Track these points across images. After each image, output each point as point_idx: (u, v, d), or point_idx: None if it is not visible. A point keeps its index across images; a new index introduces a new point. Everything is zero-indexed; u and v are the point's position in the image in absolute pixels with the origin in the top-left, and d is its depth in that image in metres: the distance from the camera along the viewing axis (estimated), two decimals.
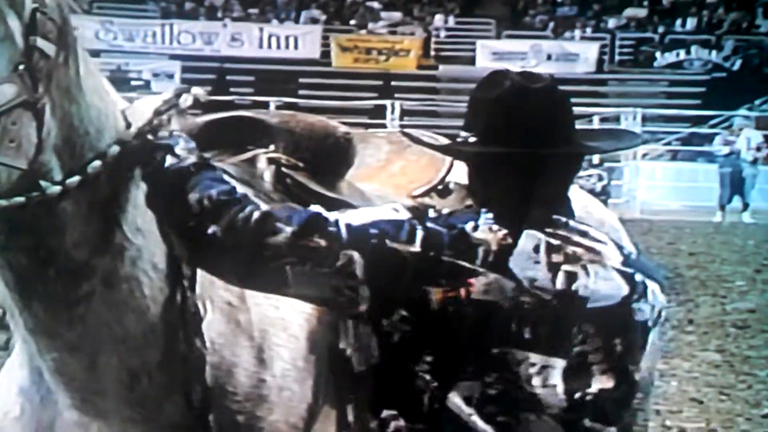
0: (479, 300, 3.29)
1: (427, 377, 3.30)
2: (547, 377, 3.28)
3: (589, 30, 43.72)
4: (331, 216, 3.31)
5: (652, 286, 3.39)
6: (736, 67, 41.31)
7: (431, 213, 3.46)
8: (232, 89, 39.99)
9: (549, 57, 41.63)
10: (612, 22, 43.67)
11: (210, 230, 3.26)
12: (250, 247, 3.26)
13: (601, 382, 3.30)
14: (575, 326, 3.29)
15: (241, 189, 3.45)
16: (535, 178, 3.39)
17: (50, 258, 3.44)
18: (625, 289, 3.31)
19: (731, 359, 12.74)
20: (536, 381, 3.26)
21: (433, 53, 43.12)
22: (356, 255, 3.24)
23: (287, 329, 3.82)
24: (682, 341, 13.08)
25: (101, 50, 40.49)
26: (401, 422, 3.33)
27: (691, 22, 42.96)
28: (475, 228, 3.33)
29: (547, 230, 3.35)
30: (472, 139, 3.47)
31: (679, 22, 43.15)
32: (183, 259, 3.51)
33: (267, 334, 3.78)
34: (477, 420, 3.26)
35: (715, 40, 42.28)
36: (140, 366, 3.61)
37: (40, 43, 3.26)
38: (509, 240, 3.31)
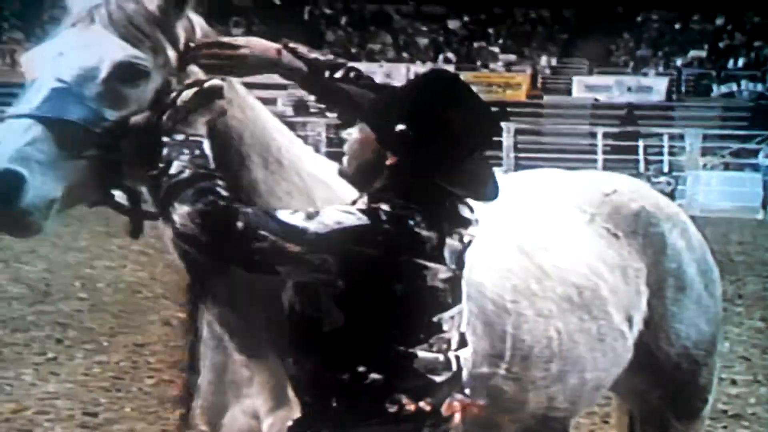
0: (432, 286, 3.22)
1: (393, 342, 3.22)
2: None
3: (660, 67, 43.12)
4: (301, 224, 3.09)
5: None
6: None
7: (382, 214, 3.17)
8: None
9: (629, 89, 41.13)
10: (679, 61, 43.04)
11: (203, 239, 3.07)
12: (239, 252, 3.10)
13: None
14: None
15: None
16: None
17: None
18: None
19: None
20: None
21: (539, 86, 42.85)
22: (329, 258, 3.09)
23: None
24: (733, 311, 12.86)
25: (289, 84, 40.77)
26: (376, 375, 3.21)
27: (741, 61, 42.17)
28: (417, 225, 3.18)
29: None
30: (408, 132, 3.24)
31: (731, 61, 42.38)
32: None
33: None
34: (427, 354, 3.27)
35: (761, 74, 41.51)
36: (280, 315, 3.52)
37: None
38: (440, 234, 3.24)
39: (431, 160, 3.26)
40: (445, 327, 3.31)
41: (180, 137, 3.19)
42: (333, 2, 47.63)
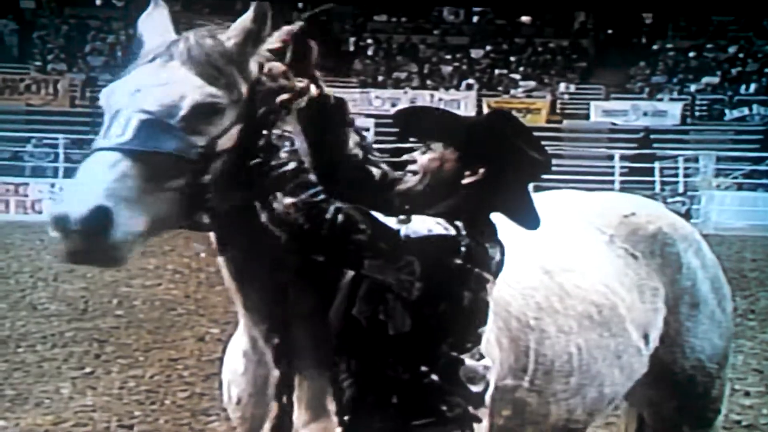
0: (487, 300, 3.40)
1: (446, 348, 3.31)
2: None
3: (675, 93, 43.00)
4: (395, 225, 3.22)
5: None
6: None
7: (461, 228, 3.30)
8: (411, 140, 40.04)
9: (645, 113, 40.95)
10: (693, 87, 42.88)
11: (305, 228, 3.16)
12: (337, 241, 3.17)
13: None
14: None
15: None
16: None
17: (259, 255, 3.44)
18: None
19: None
20: None
21: (558, 111, 42.73)
22: (415, 261, 3.18)
23: None
24: (746, 326, 12.86)
25: None
26: (434, 377, 3.29)
27: (753, 87, 41.99)
28: (487, 241, 3.35)
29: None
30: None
31: (743, 87, 42.21)
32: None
33: None
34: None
35: None
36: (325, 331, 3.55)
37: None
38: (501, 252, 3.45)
39: (501, 182, 3.43)
40: (483, 339, 3.43)
41: (277, 132, 3.29)
42: (363, 34, 47.74)
